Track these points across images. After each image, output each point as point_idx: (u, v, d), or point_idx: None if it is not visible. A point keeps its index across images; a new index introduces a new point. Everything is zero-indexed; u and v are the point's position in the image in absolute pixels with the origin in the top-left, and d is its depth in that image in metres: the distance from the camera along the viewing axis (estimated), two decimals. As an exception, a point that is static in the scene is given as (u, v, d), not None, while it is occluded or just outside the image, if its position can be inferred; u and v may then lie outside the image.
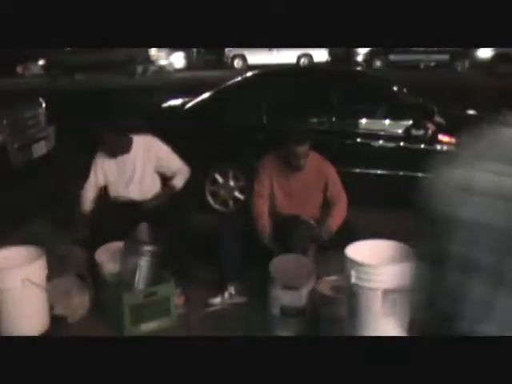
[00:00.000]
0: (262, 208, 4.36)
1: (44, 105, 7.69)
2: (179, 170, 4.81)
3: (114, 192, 4.74)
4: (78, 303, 3.93)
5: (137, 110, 8.31)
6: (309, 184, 4.39)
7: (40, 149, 7.28)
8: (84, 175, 4.75)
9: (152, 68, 24.60)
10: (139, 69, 23.67)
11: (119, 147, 4.68)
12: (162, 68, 25.31)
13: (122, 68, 22.57)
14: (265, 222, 4.30)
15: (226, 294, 4.08)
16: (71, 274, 4.14)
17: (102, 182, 4.75)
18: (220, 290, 4.11)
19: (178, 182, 4.78)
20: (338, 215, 4.32)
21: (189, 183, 4.91)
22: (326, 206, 4.39)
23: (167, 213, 4.52)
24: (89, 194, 4.72)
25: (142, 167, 4.71)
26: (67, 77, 22.11)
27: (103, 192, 4.78)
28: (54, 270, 3.89)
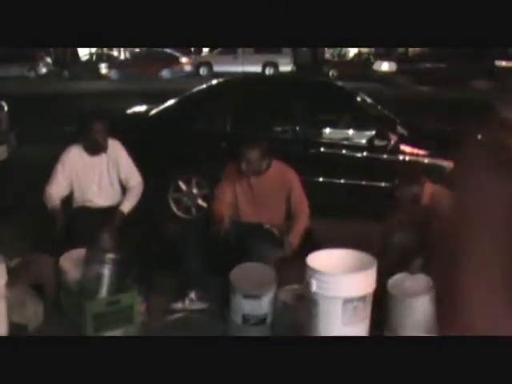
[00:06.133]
0: (222, 212, 4.35)
1: (6, 108, 7.55)
2: (133, 187, 4.65)
3: (80, 194, 4.60)
4: (32, 315, 3.81)
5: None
6: (272, 192, 4.41)
7: (1, 153, 7.15)
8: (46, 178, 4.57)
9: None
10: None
11: (98, 146, 4.54)
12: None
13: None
14: (224, 222, 4.27)
15: (187, 300, 4.07)
16: (25, 285, 3.94)
17: (68, 181, 4.54)
18: (181, 295, 4.10)
19: (126, 207, 4.54)
20: (300, 228, 4.34)
21: (152, 190, 4.87)
22: (289, 214, 4.42)
23: (130, 220, 4.48)
24: (55, 189, 4.48)
25: (108, 172, 4.62)
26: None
27: (68, 194, 4.61)
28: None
